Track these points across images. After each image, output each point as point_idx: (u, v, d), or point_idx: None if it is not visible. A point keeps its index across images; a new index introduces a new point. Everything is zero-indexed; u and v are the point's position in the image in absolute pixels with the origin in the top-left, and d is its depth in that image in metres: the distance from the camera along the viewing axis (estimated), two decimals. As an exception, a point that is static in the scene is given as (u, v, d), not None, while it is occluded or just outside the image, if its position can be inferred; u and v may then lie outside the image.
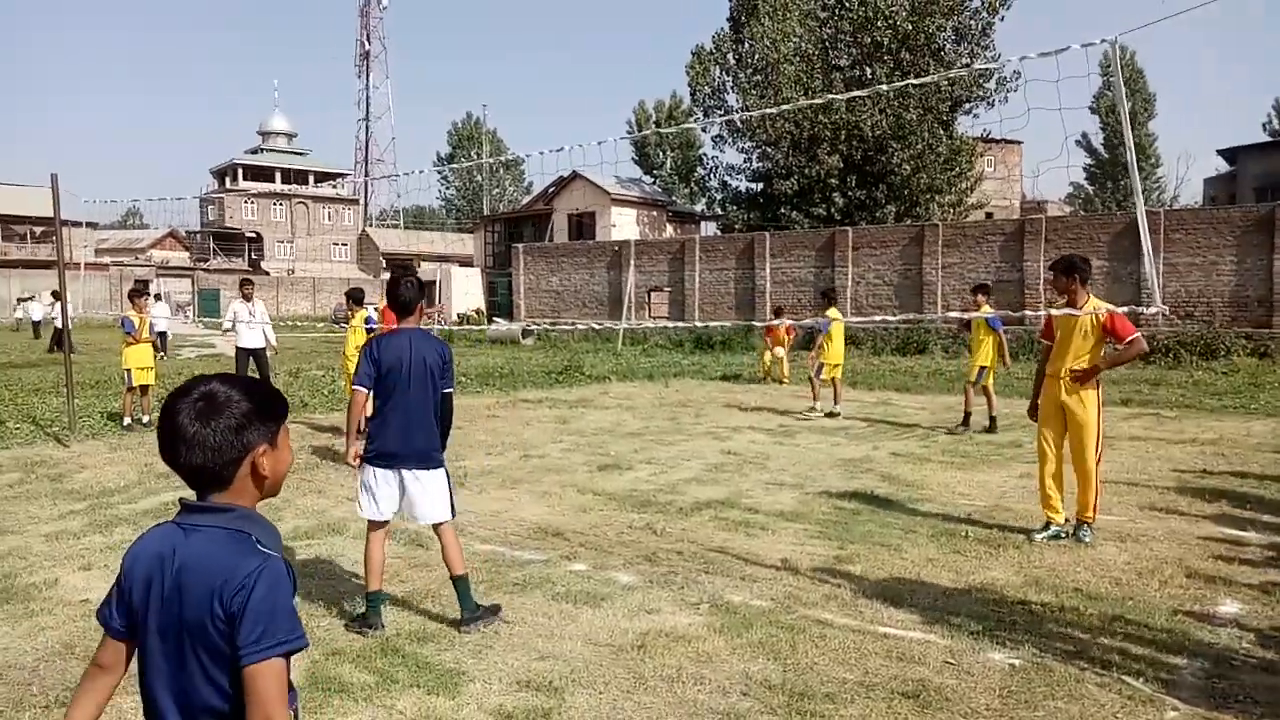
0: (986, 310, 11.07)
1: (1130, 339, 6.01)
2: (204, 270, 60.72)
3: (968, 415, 11.11)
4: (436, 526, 4.67)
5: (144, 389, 11.50)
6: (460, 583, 4.55)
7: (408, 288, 4.73)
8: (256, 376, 10.40)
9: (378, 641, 4.36)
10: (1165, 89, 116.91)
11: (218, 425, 1.69)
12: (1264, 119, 67.59)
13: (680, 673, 4.01)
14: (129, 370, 11.35)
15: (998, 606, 4.82)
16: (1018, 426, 10.82)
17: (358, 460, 4.72)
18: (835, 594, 5.03)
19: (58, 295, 11.77)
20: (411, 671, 4.04)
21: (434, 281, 42.98)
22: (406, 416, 4.58)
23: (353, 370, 10.38)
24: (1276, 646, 4.28)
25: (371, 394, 4.67)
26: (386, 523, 4.70)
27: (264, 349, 12.40)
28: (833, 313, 12.65)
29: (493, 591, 5.08)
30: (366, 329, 11.25)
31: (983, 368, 11.08)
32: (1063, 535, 6.11)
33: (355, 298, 11.23)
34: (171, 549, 1.68)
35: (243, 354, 12.45)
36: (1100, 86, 53.74)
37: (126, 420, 11.15)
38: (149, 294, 11.95)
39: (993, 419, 10.94)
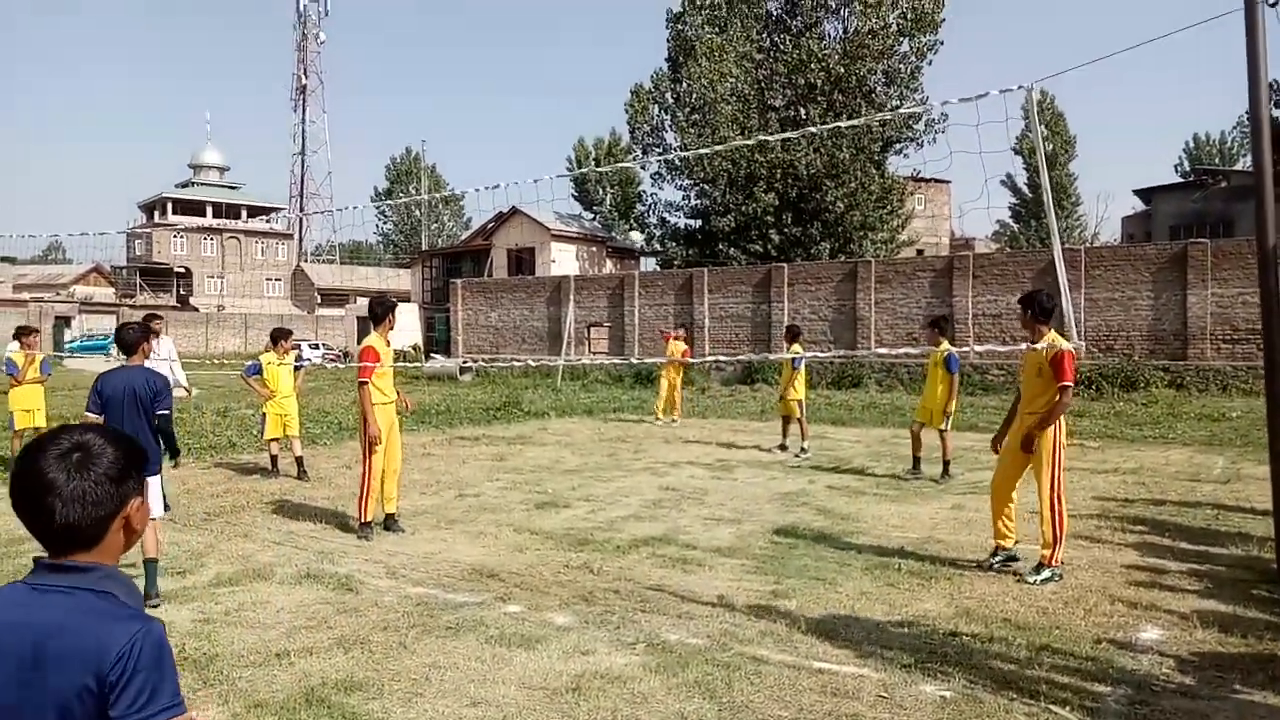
0: (946, 347, 10.12)
1: (1061, 385, 6.01)
2: (129, 307, 58.85)
3: (948, 464, 10.02)
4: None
5: (37, 431, 11.09)
6: (150, 565, 5.65)
7: (130, 332, 6.02)
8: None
9: (302, 692, 4.21)
10: (1086, 130, 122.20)
11: (98, 475, 1.57)
12: (1175, 161, 71.13)
13: (615, 715, 3.96)
14: (12, 413, 10.99)
15: (929, 638, 4.88)
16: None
17: None
18: (771, 630, 5.03)
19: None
20: (337, 722, 3.90)
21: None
22: None
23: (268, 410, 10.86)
24: (1195, 671, 4.41)
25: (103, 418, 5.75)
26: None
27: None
28: (796, 348, 12.65)
29: (425, 636, 4.96)
30: (296, 367, 11.06)
31: (948, 414, 10.06)
32: (1016, 557, 6.25)
33: (276, 337, 11.11)
34: (26, 617, 1.52)
35: None
36: (1023, 128, 55.93)
37: None
38: (37, 331, 11.57)
39: (918, 459, 10.29)
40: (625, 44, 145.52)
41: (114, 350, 10.55)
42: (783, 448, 12.55)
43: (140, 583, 6.05)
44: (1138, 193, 46.53)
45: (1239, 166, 55.99)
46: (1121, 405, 18.35)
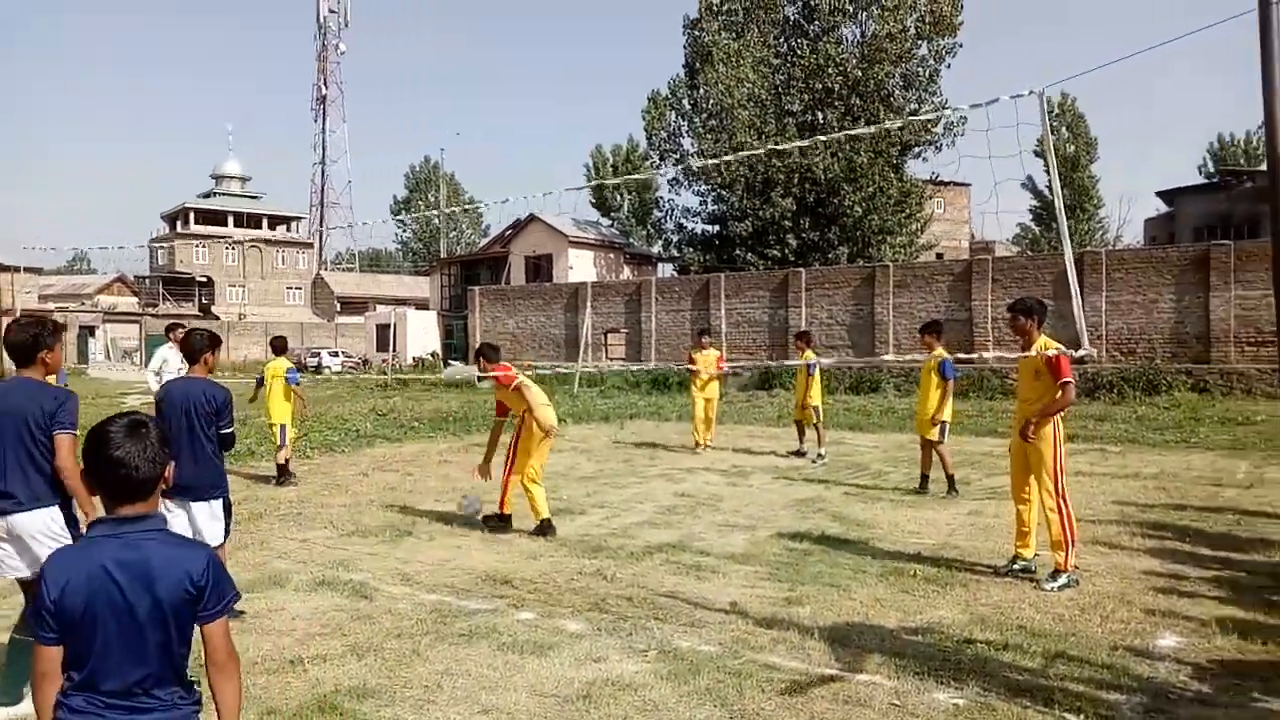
0: (940, 353, 9.36)
1: (1062, 382, 6.06)
2: (152, 316, 59.52)
3: (951, 478, 9.31)
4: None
5: None
6: None
7: (196, 339, 5.61)
8: None
9: (315, 700, 4.24)
10: (1110, 132, 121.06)
11: (151, 441, 2.19)
12: (1199, 162, 70.38)
13: (625, 722, 3.95)
14: None
15: (944, 646, 4.84)
16: (965, 464, 10.96)
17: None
18: (784, 637, 5.01)
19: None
20: (349, 729, 3.92)
21: (388, 325, 42.68)
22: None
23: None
24: (1212, 679, 4.35)
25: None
26: None
27: None
28: (810, 354, 12.62)
29: (438, 643, 4.98)
30: (287, 379, 10.96)
31: (944, 423, 9.29)
32: (1032, 569, 6.21)
33: (277, 347, 11.17)
34: (133, 554, 2.13)
35: None
36: (1043, 131, 55.42)
37: None
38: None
39: (950, 478, 9.35)
40: (642, 51, 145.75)
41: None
42: (799, 453, 12.51)
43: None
44: (1161, 194, 46.07)
45: (1264, 167, 55.33)
46: (1143, 409, 18.16)
